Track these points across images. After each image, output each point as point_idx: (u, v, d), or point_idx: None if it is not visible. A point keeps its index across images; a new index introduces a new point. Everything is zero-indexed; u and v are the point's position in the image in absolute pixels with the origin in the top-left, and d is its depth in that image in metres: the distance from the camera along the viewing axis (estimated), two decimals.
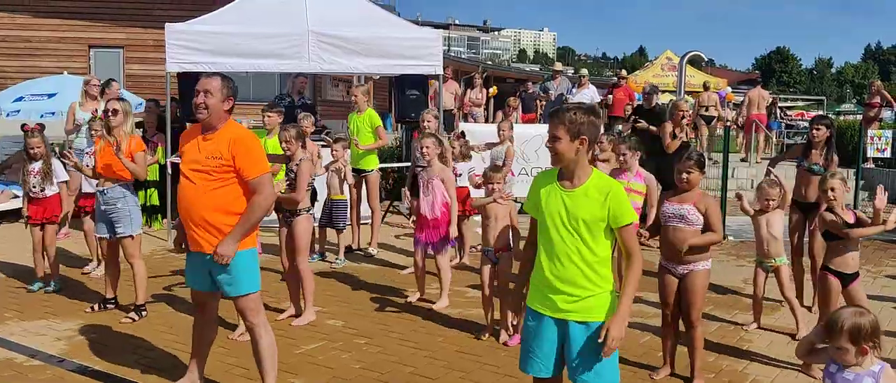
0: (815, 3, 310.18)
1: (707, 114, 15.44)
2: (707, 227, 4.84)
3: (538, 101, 15.16)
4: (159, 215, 10.09)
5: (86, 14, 19.77)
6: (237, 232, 4.12)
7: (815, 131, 6.89)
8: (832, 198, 5.25)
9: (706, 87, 17.22)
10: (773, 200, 6.01)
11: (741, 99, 41.36)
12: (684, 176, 4.90)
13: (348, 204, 8.38)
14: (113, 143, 6.09)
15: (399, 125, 11.53)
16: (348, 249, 8.59)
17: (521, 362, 3.52)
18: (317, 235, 8.24)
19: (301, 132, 6.39)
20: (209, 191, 4.14)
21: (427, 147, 6.65)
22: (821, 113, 10.15)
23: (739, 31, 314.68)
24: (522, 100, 15.46)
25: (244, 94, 18.09)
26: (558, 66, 17.64)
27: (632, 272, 3.36)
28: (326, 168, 8.08)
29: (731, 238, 9.89)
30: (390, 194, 11.75)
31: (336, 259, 8.16)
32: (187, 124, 9.45)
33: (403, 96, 10.13)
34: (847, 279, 5.19)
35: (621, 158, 6.28)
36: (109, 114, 6.20)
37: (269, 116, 7.41)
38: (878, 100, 15.23)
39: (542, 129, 11.94)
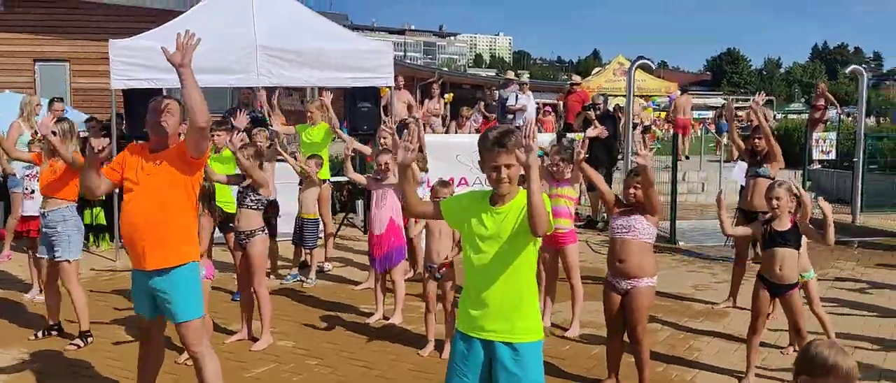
0: (764, 5, 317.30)
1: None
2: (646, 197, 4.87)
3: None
4: (106, 234, 9.89)
5: (30, 27, 19.31)
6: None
7: (756, 141, 7.04)
8: (776, 206, 5.33)
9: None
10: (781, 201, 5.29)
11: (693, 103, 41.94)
12: (631, 191, 4.95)
13: (319, 223, 8.31)
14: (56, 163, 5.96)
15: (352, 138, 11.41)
16: (303, 265, 8.50)
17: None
18: (285, 254, 8.16)
19: (259, 150, 6.31)
20: (153, 204, 4.10)
21: (386, 163, 6.63)
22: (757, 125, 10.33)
23: (691, 33, 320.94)
24: (487, 107, 15.47)
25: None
26: (525, 76, 17.52)
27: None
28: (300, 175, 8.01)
29: (681, 243, 10.02)
30: (345, 206, 11.68)
31: (307, 278, 8.07)
32: (134, 140, 9.28)
33: (355, 108, 10.04)
34: (781, 289, 5.27)
35: (555, 168, 6.34)
36: (50, 135, 6.02)
37: (217, 135, 7.30)
38: (823, 102, 15.60)
39: None
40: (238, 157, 5.95)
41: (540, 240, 3.39)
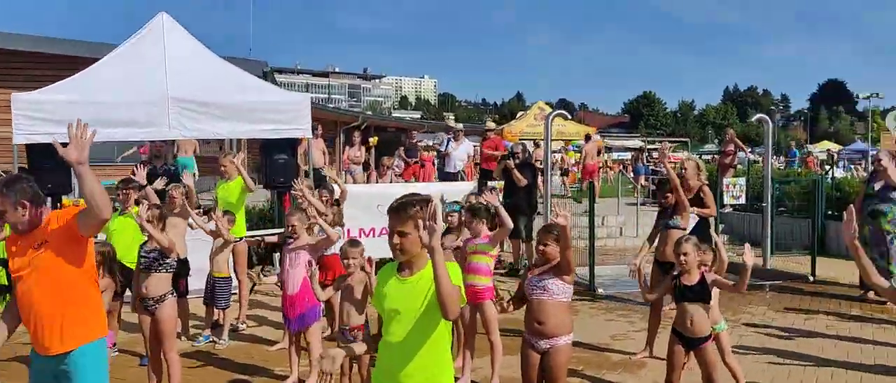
0: (678, 49, 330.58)
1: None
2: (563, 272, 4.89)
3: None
4: (8, 294, 9.36)
5: None
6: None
7: (663, 200, 7.20)
8: (684, 261, 5.43)
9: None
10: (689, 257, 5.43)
11: (612, 144, 42.90)
12: (541, 247, 4.97)
13: (231, 281, 8.05)
14: None
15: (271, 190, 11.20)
16: (215, 325, 8.21)
17: None
18: (198, 313, 7.86)
19: (164, 212, 6.10)
20: (46, 285, 3.87)
21: (293, 224, 6.48)
22: (663, 177, 10.72)
23: (610, 76, 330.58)
24: (407, 152, 15.52)
25: (107, 157, 17.34)
26: (459, 125, 17.58)
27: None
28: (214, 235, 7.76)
29: (600, 290, 10.12)
30: (262, 259, 11.40)
31: (220, 339, 7.78)
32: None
33: (271, 160, 9.89)
34: (694, 343, 5.35)
35: (470, 226, 6.34)
36: None
37: (124, 193, 7.03)
38: (732, 147, 16.18)
39: (417, 188, 11.97)
40: (142, 227, 5.74)
41: None
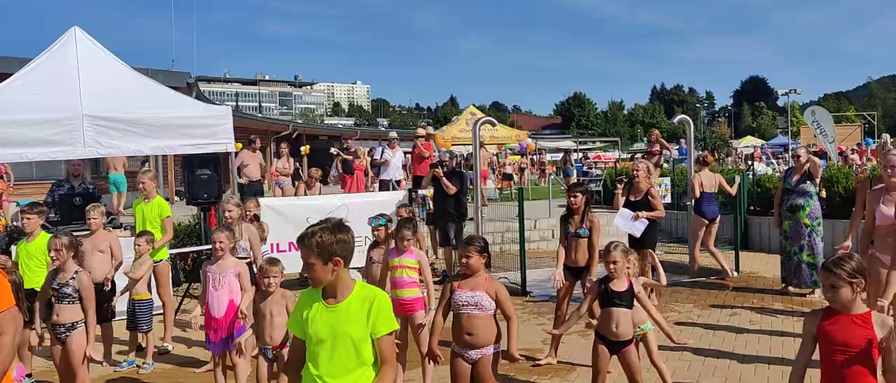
0: (606, 51, 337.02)
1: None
2: (502, 309, 4.91)
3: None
4: None
5: None
6: None
7: (572, 199, 7.28)
8: (613, 269, 5.49)
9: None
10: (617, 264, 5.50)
11: (544, 146, 43.31)
12: (463, 260, 4.95)
13: (152, 303, 7.80)
14: None
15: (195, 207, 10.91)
16: (140, 348, 7.94)
17: None
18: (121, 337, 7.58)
19: (74, 240, 5.84)
20: None
21: (220, 242, 6.29)
22: (576, 182, 11.00)
23: (542, 78, 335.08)
24: (343, 162, 15.38)
25: (25, 174, 16.65)
26: (393, 133, 17.50)
27: (381, 379, 3.27)
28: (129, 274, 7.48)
29: (532, 293, 10.18)
30: (189, 276, 11.11)
31: (144, 362, 7.51)
32: None
33: (194, 176, 9.64)
34: (618, 346, 5.43)
35: (401, 241, 6.29)
36: None
37: (28, 219, 6.73)
38: (657, 147, 16.53)
39: (349, 198, 11.85)
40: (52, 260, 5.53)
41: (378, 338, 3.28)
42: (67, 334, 5.56)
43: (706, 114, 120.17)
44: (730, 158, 36.93)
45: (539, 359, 7.30)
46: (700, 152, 13.97)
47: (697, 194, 10.78)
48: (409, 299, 6.22)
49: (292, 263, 10.60)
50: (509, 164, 24.92)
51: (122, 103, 8.89)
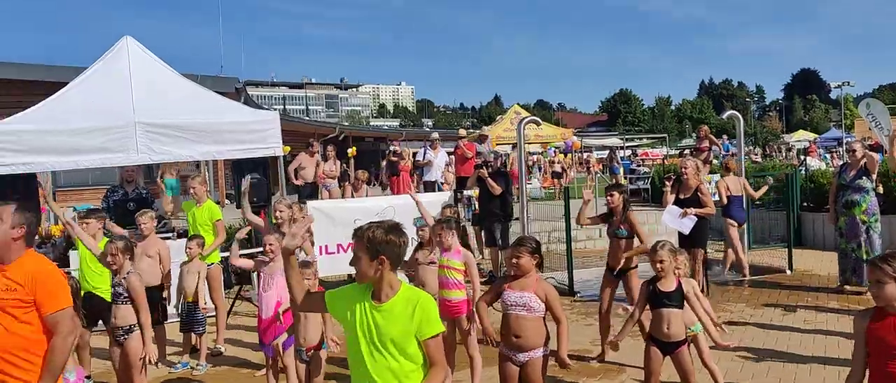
0: (652, 46, 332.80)
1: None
2: (552, 313, 4.89)
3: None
4: None
5: None
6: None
7: (608, 198, 7.21)
8: (660, 268, 5.43)
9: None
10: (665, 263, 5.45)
11: (590, 144, 42.93)
12: (513, 260, 4.94)
13: (208, 306, 7.95)
14: None
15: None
16: (194, 350, 8.11)
17: None
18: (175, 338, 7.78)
19: (129, 243, 5.99)
20: (3, 329, 3.75)
21: (270, 244, 6.41)
22: (613, 182, 10.98)
23: (586, 74, 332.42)
24: (389, 164, 15.52)
25: (81, 180, 17.10)
26: (435, 134, 17.51)
27: (430, 381, 3.31)
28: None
29: (580, 293, 10.11)
30: (240, 278, 11.29)
31: (198, 364, 7.67)
32: None
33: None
34: (671, 347, 5.36)
35: (438, 239, 6.30)
36: None
37: (86, 224, 6.93)
38: (706, 143, 16.25)
39: (395, 200, 11.91)
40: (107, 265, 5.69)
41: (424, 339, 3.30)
42: (125, 336, 5.71)
43: (756, 109, 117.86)
44: (780, 153, 36.11)
45: (589, 360, 7.26)
46: (724, 156, 13.78)
47: (725, 200, 10.66)
48: (456, 301, 6.22)
49: (340, 265, 10.84)
50: (558, 162, 24.73)
51: (173, 110, 9.09)
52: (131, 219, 7.91)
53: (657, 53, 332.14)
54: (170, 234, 9.73)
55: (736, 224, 10.77)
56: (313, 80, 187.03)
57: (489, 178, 10.76)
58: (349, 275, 11.06)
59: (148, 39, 10.26)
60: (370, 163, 34.23)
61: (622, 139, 49.40)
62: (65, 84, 9.80)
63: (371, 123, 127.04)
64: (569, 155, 31.04)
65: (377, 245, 3.26)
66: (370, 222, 3.40)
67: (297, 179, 14.20)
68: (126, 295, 5.72)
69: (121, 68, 9.40)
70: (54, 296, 3.84)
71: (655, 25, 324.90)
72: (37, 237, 9.77)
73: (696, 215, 8.66)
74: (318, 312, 3.85)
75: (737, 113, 12.44)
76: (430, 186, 15.12)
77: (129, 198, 9.71)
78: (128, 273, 5.81)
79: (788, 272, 11.03)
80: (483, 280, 11.20)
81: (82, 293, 6.45)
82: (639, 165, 25.62)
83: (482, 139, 15.18)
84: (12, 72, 18.43)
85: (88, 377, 7.00)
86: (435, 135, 16.62)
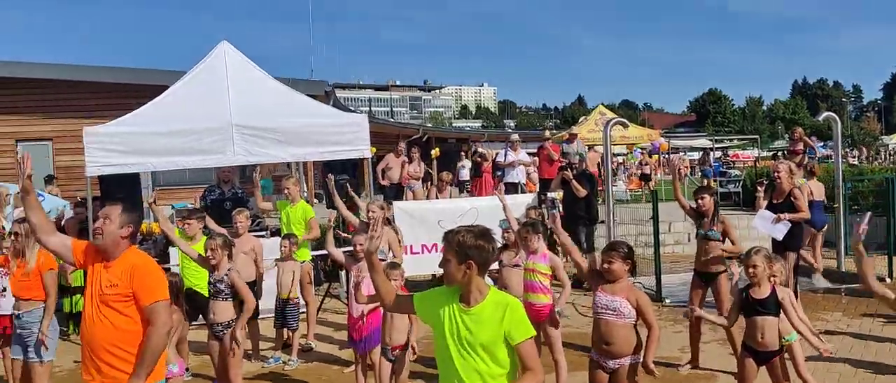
0: (743, 44, 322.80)
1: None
2: (643, 319, 4.87)
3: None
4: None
5: (12, 108, 19.44)
6: (140, 372, 3.94)
7: (699, 202, 7.05)
8: (754, 274, 5.32)
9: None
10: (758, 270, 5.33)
11: (678, 145, 41.94)
12: (606, 265, 4.92)
13: (299, 302, 8.21)
14: (23, 264, 5.91)
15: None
16: (286, 345, 8.36)
17: None
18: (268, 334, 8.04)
19: (228, 240, 6.25)
20: (108, 323, 3.99)
21: (360, 244, 6.57)
22: (702, 185, 10.77)
23: (674, 74, 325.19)
24: (474, 164, 15.59)
25: (179, 179, 17.83)
26: (515, 135, 17.42)
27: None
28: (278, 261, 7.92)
29: (668, 300, 9.94)
30: (329, 276, 11.57)
31: (289, 359, 7.92)
32: None
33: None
34: (765, 356, 5.24)
35: (524, 242, 6.32)
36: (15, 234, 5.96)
37: (188, 224, 7.25)
38: (801, 146, 15.71)
39: (478, 202, 11.98)
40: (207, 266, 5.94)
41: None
42: (223, 332, 5.95)
43: (853, 110, 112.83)
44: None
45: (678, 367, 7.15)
46: (807, 161, 13.24)
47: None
48: (540, 305, 6.23)
49: (425, 265, 10.98)
50: (646, 164, 24.29)
51: (267, 113, 9.39)
52: (228, 217, 8.21)
53: (748, 52, 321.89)
54: (263, 232, 10.06)
55: (815, 229, 10.45)
56: (398, 82, 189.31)
57: (574, 180, 10.69)
58: (433, 275, 11.19)
59: (243, 44, 10.63)
60: (452, 164, 34.42)
61: (711, 140, 48.12)
62: (166, 87, 10.26)
63: (454, 124, 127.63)
64: (654, 156, 30.47)
65: (466, 249, 3.31)
66: (460, 226, 3.46)
67: (384, 180, 14.45)
68: (225, 291, 5.96)
69: (218, 72, 9.77)
70: (151, 289, 4.04)
71: (745, 23, 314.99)
72: (139, 234, 10.30)
73: (789, 220, 8.41)
74: (406, 313, 3.93)
75: (833, 114, 12.00)
76: (512, 188, 15.11)
77: (226, 198, 10.08)
78: (228, 270, 6.05)
79: (889, 280, 10.56)
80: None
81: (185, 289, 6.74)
82: (730, 167, 24.94)
83: (571, 138, 15.02)
84: (117, 75, 19.38)
85: (187, 369, 7.32)
86: (515, 136, 16.61)
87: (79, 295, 9.64)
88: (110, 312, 3.99)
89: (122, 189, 9.32)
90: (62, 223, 9.76)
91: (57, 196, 13.56)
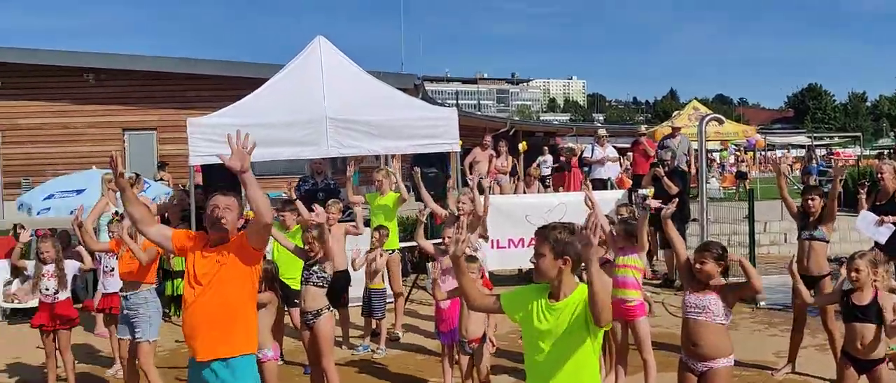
0: (845, 37, 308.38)
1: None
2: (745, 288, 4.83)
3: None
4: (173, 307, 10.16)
5: (119, 99, 20.45)
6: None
7: (809, 202, 6.79)
8: (856, 278, 5.12)
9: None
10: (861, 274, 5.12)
11: (774, 142, 40.37)
12: (697, 265, 4.83)
13: (386, 292, 8.38)
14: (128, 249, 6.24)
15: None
16: (374, 334, 8.53)
17: None
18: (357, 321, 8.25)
19: (323, 232, 6.42)
20: (216, 303, 4.18)
21: (449, 236, 6.65)
22: (812, 184, 10.30)
23: (771, 68, 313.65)
24: (558, 159, 15.45)
25: (275, 169, 18.45)
26: (602, 130, 16.98)
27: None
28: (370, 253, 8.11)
29: (762, 303, 9.65)
30: (416, 267, 11.73)
31: (378, 348, 8.11)
32: None
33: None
34: (867, 365, 5.04)
35: (617, 239, 6.24)
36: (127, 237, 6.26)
37: (283, 216, 7.50)
38: None
39: (566, 197, 11.90)
40: (307, 236, 6.11)
41: (601, 333, 3.36)
42: (314, 320, 6.12)
43: None
44: None
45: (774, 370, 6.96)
46: None
47: None
48: (632, 303, 6.16)
49: (511, 260, 11.00)
50: (743, 161, 23.55)
51: (359, 106, 9.61)
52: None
53: (851, 45, 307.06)
54: (354, 223, 10.26)
55: None
56: (485, 76, 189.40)
57: (665, 177, 10.49)
58: (519, 270, 11.20)
59: (336, 37, 10.90)
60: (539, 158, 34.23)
61: (810, 137, 46.25)
62: (264, 80, 10.62)
63: (541, 118, 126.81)
64: (749, 153, 29.53)
65: (564, 245, 3.32)
66: (556, 222, 3.48)
67: (471, 174, 14.50)
68: (318, 280, 6.13)
69: (314, 66, 10.05)
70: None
71: (849, 15, 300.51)
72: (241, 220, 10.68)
73: (893, 224, 8.02)
74: (493, 313, 3.96)
75: None
76: (600, 184, 14.90)
77: (319, 188, 10.34)
78: (322, 260, 6.20)
79: None
80: (657, 283, 11.02)
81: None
82: (831, 165, 23.92)
83: (674, 132, 14.62)
84: (218, 68, 20.16)
85: (282, 354, 7.56)
86: (602, 131, 16.35)
87: (180, 280, 10.10)
88: (211, 285, 4.17)
89: (223, 178, 9.67)
90: (166, 211, 10.19)
91: (167, 182, 14.24)
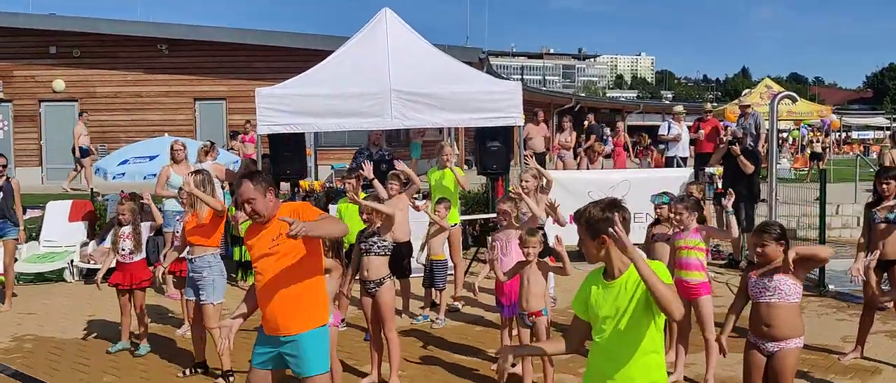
0: None
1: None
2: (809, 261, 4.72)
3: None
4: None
5: (190, 69, 20.97)
6: (309, 226, 3.92)
7: (884, 186, 6.51)
8: None
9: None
10: None
11: (851, 123, 38.93)
12: (758, 249, 4.71)
13: (447, 263, 8.46)
14: (196, 215, 6.44)
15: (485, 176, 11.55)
16: (434, 305, 8.61)
17: None
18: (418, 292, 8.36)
19: (378, 197, 6.51)
20: (278, 270, 4.25)
21: (504, 211, 6.66)
22: (887, 166, 9.85)
23: (848, 46, 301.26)
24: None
25: (339, 140, 18.71)
26: (679, 107, 16.57)
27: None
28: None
29: (831, 286, 9.38)
30: (476, 241, 11.77)
31: (437, 318, 8.20)
32: (280, 182, 9.84)
33: (484, 147, 10.18)
34: None
35: (677, 218, 6.12)
36: (195, 190, 6.44)
37: (350, 183, 7.61)
38: None
39: (630, 174, 11.74)
40: (363, 204, 6.19)
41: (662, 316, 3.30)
42: (376, 289, 6.20)
43: None
44: None
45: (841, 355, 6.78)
46: None
47: None
48: (695, 283, 6.06)
49: (572, 236, 10.90)
50: (818, 141, 22.78)
51: (424, 79, 9.64)
52: (381, 179, 8.50)
53: None
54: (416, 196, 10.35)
55: None
56: (552, 51, 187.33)
57: (741, 156, 10.24)
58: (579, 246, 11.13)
59: (402, 9, 10.92)
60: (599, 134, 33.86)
61: (889, 119, 44.42)
62: (330, 52, 10.73)
63: (607, 95, 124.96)
64: (821, 132, 28.54)
65: (596, 224, 3.28)
66: (588, 203, 3.40)
67: (526, 150, 14.41)
68: (378, 250, 6.20)
69: (379, 38, 10.11)
70: (314, 213, 4.29)
71: None
72: (301, 191, 10.89)
73: None
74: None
75: None
76: (670, 161, 14.65)
77: (385, 160, 10.42)
78: (380, 231, 6.27)
79: None
80: (723, 262, 10.81)
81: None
82: None
83: (744, 111, 14.21)
84: (285, 40, 20.46)
85: (343, 320, 7.71)
86: (678, 107, 16.00)
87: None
88: (283, 261, 4.24)
89: (288, 147, 9.87)
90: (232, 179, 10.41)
91: (236, 151, 14.57)
